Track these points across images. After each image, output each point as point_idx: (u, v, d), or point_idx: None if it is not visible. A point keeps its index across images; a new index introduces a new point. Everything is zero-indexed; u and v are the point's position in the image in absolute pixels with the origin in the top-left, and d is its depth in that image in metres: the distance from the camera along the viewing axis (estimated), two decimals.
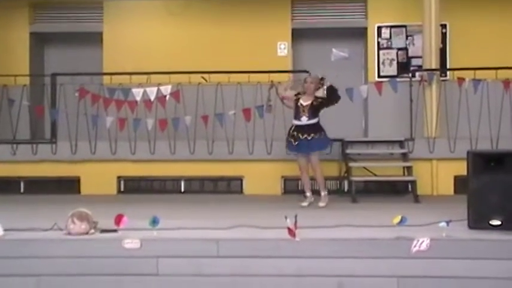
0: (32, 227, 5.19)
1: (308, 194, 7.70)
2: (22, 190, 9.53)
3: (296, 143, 7.48)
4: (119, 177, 9.48)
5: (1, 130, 9.70)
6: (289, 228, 4.69)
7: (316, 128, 7.50)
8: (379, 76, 10.52)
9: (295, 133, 7.50)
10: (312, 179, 7.79)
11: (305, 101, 7.51)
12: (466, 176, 5.25)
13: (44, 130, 10.67)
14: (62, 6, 11.07)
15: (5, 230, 4.96)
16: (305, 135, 7.44)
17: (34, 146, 9.40)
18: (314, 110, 7.48)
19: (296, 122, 7.53)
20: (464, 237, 4.82)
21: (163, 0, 10.82)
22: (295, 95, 7.66)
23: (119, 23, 10.87)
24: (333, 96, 7.50)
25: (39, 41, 11.33)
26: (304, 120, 7.46)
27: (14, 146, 9.36)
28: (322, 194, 7.59)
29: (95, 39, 10.90)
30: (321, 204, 7.51)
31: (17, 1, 10.87)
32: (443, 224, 4.81)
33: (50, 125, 9.69)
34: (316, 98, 7.51)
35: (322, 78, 7.58)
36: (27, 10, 11.03)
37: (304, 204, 7.56)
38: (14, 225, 5.13)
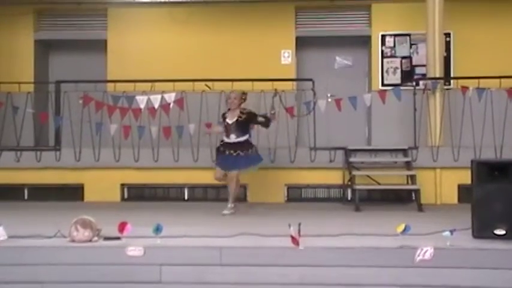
0: (36, 234, 5.20)
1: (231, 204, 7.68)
2: (26, 197, 9.53)
3: (222, 159, 7.59)
4: (122, 185, 9.47)
5: (5, 137, 9.71)
6: (292, 236, 4.69)
7: (245, 146, 7.58)
8: (382, 84, 10.52)
9: (222, 148, 7.64)
10: None
11: (230, 119, 7.64)
12: (470, 185, 5.24)
13: (48, 137, 10.67)
14: (66, 14, 11.13)
15: (9, 237, 4.96)
16: (231, 152, 7.53)
17: (38, 153, 9.41)
18: (240, 126, 7.57)
19: (225, 140, 7.66)
20: (469, 246, 4.80)
21: (168, 8, 10.86)
22: (222, 115, 7.83)
23: (123, 30, 10.91)
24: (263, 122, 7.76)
25: (44, 48, 11.38)
26: (233, 138, 7.58)
27: (18, 153, 9.39)
28: (229, 205, 7.58)
29: (99, 46, 10.94)
30: (226, 212, 7.49)
31: (22, 8, 10.93)
32: (447, 233, 4.79)
33: (54, 132, 9.73)
34: (241, 113, 7.61)
35: (244, 93, 7.80)
36: (32, 17, 11.08)
37: (226, 212, 7.53)
38: (18, 232, 5.13)
